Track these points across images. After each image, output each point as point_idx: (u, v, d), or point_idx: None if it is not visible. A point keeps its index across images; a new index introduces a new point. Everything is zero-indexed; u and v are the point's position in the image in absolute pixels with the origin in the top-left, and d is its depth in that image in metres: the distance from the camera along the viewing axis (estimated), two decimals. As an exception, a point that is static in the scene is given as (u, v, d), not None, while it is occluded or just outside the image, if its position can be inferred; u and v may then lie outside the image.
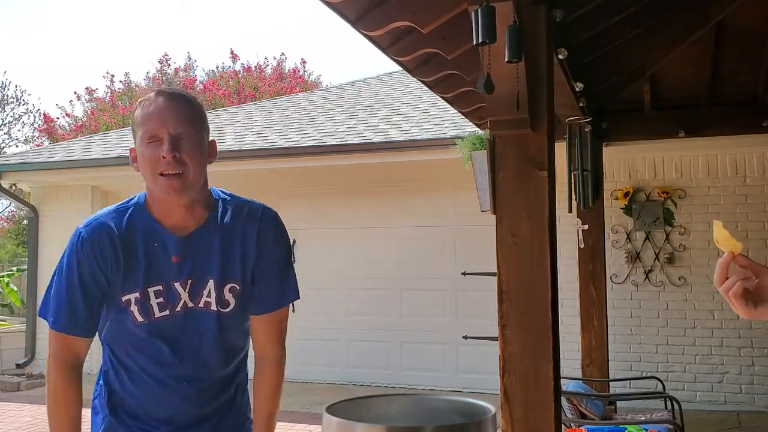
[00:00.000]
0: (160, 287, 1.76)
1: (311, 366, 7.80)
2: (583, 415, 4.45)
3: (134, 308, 1.76)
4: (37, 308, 1.86)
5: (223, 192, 1.89)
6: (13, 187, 9.21)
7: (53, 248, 8.82)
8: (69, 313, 1.76)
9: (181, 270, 1.77)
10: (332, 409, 1.07)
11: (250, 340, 1.93)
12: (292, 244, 1.90)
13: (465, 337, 7.42)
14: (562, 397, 3.76)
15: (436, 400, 1.20)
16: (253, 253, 1.84)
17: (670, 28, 4.05)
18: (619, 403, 5.63)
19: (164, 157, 1.68)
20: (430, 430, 1.07)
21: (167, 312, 1.77)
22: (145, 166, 1.73)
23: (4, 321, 11.06)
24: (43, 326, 8.76)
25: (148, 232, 1.78)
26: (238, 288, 1.82)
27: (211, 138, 1.86)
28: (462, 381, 7.35)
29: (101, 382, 1.94)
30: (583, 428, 4.12)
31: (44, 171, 8.58)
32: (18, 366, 8.72)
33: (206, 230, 1.80)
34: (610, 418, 4.85)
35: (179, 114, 1.72)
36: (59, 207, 8.88)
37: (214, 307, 1.80)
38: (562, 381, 4.22)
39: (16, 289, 12.00)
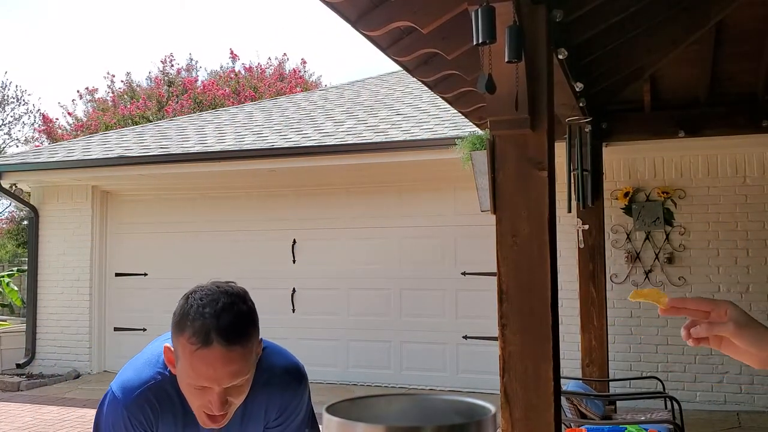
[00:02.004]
0: None
1: (311, 366, 7.75)
2: (583, 415, 4.45)
3: None
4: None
5: None
6: (14, 187, 9.21)
7: (53, 248, 8.84)
8: None
9: None
10: (332, 409, 1.07)
11: None
12: (310, 398, 1.80)
13: (465, 337, 7.43)
14: (562, 397, 3.76)
15: (436, 400, 1.20)
16: (274, 420, 1.78)
17: (670, 28, 4.06)
18: (619, 403, 5.64)
19: (211, 407, 1.55)
20: (430, 430, 1.07)
21: None
22: (187, 394, 1.59)
23: (4, 321, 11.06)
24: (44, 326, 8.77)
25: (177, 415, 1.68)
26: None
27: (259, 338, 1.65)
28: (462, 381, 7.35)
29: None
30: (583, 428, 4.12)
31: (44, 171, 8.58)
32: (18, 366, 8.72)
33: (234, 413, 1.68)
34: (610, 418, 4.85)
35: (238, 369, 1.52)
36: (59, 207, 8.88)
37: None
38: (562, 381, 4.22)
39: (16, 289, 12.00)
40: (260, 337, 1.64)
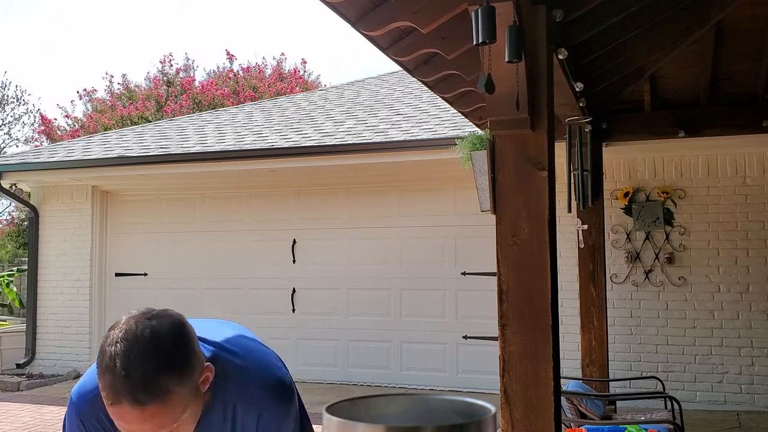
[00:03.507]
0: None
1: (311, 366, 7.81)
2: (583, 415, 4.45)
3: None
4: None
5: (222, 361, 1.64)
6: (14, 187, 9.21)
7: (53, 248, 8.84)
8: None
9: None
10: (332, 409, 1.07)
11: None
12: (297, 409, 1.72)
13: (465, 337, 7.43)
14: (562, 397, 3.76)
15: (436, 400, 1.20)
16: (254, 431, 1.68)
17: (670, 28, 4.05)
18: (619, 403, 5.64)
19: None
20: (429, 430, 1.07)
21: None
22: None
23: (4, 321, 11.07)
24: (44, 326, 8.77)
25: None
26: None
27: (204, 364, 1.53)
28: (462, 381, 7.35)
29: None
30: (583, 428, 4.12)
31: (44, 171, 8.58)
32: (18, 366, 8.72)
33: (204, 422, 1.60)
34: (610, 418, 4.85)
35: (157, 424, 1.40)
36: (59, 207, 8.89)
37: None
38: (562, 381, 4.22)
39: (15, 289, 12.00)
40: (203, 365, 1.52)
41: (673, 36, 4.08)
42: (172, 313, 1.52)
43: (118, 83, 20.35)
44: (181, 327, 1.48)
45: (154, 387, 1.37)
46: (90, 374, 1.63)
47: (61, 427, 1.68)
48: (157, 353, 1.39)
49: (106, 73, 25.50)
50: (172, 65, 20.46)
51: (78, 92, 28.09)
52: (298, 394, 1.78)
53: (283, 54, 29.54)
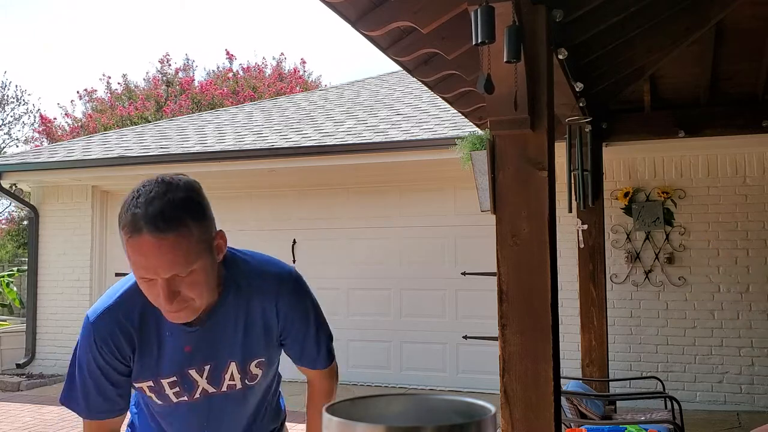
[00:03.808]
0: (174, 378, 1.68)
1: (311, 366, 7.80)
2: (583, 415, 4.45)
3: (151, 394, 1.71)
4: (60, 397, 1.75)
5: (233, 256, 1.72)
6: (14, 187, 9.21)
7: (53, 248, 8.84)
8: (103, 400, 1.69)
9: (194, 358, 1.67)
10: (332, 409, 1.07)
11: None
12: (314, 301, 1.86)
13: (465, 337, 7.43)
14: (562, 397, 3.76)
15: (436, 400, 1.20)
16: (276, 327, 1.75)
17: (670, 28, 4.05)
18: (619, 403, 5.64)
19: (162, 302, 1.51)
20: (430, 430, 1.07)
21: (185, 398, 1.71)
22: (143, 291, 1.55)
23: (4, 321, 11.07)
24: (44, 326, 8.77)
25: (159, 322, 1.65)
26: (265, 360, 1.76)
27: (217, 229, 1.61)
28: (462, 381, 7.35)
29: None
30: (583, 428, 4.12)
31: (44, 171, 8.58)
32: (18, 366, 8.73)
33: (221, 313, 1.67)
34: (610, 418, 4.85)
35: (173, 258, 1.46)
36: (59, 207, 8.89)
37: (239, 385, 1.74)
38: (562, 381, 4.22)
39: (15, 289, 12.00)
40: (217, 230, 1.60)
41: (673, 36, 4.08)
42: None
43: (118, 83, 20.37)
44: (197, 184, 1.59)
45: (172, 218, 1.45)
46: (103, 297, 1.71)
47: (76, 366, 1.70)
48: (176, 193, 1.49)
49: (104, 74, 25.48)
50: (170, 65, 20.46)
51: (78, 92, 28.11)
52: (313, 296, 1.85)
53: (282, 54, 29.56)
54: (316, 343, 1.83)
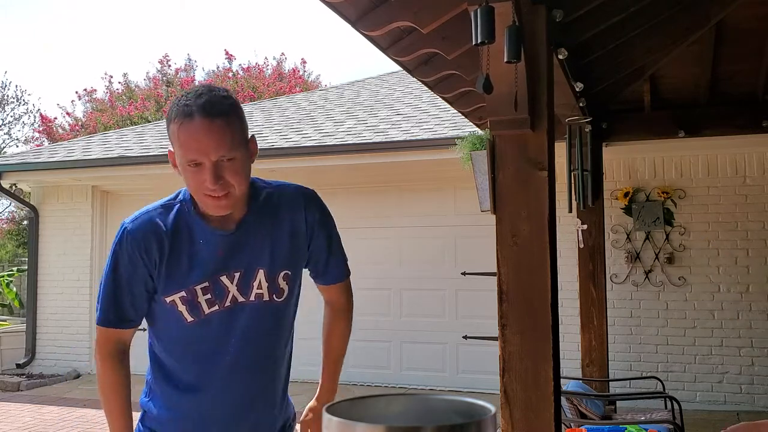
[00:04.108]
0: (206, 284, 1.76)
1: (312, 366, 7.76)
2: (583, 415, 4.45)
3: (182, 308, 1.77)
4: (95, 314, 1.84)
5: (259, 180, 1.89)
6: (14, 187, 9.21)
7: (53, 248, 8.84)
8: (115, 309, 1.78)
9: (227, 263, 1.78)
10: (332, 409, 1.07)
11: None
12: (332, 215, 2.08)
13: (465, 337, 7.43)
14: (562, 397, 3.76)
15: (436, 400, 1.20)
16: (304, 237, 1.89)
17: (670, 28, 4.05)
18: (619, 403, 5.64)
19: (208, 185, 1.66)
20: (430, 430, 1.07)
21: (216, 307, 1.78)
22: (187, 182, 1.72)
23: (4, 321, 11.07)
24: (44, 326, 8.78)
25: (193, 229, 1.77)
26: (291, 274, 1.86)
27: (250, 134, 1.81)
28: (462, 381, 7.35)
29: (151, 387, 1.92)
30: (583, 428, 4.12)
31: (44, 171, 8.58)
32: (18, 366, 8.73)
33: (251, 221, 1.81)
34: (610, 418, 4.85)
35: (220, 139, 1.65)
36: (59, 207, 8.89)
37: (267, 297, 1.82)
38: (562, 381, 4.22)
39: (15, 289, 12.00)
40: (251, 134, 1.79)
41: (673, 36, 4.08)
42: None
43: (119, 82, 20.37)
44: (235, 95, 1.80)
45: (220, 107, 1.67)
46: (140, 210, 1.82)
47: (105, 268, 1.79)
48: (219, 92, 1.71)
49: (105, 74, 25.51)
50: (170, 65, 20.46)
51: (77, 92, 28.12)
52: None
53: (283, 54, 29.56)
54: (340, 251, 2.00)
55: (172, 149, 1.72)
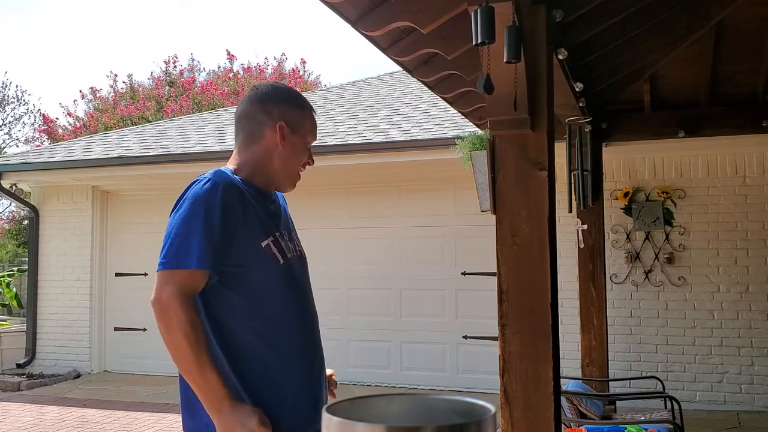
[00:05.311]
0: (278, 233, 2.03)
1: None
2: (582, 415, 4.45)
3: (275, 250, 1.97)
4: (163, 263, 1.86)
5: None
6: (14, 187, 9.21)
7: (53, 248, 8.84)
8: (213, 250, 1.85)
9: (277, 223, 2.07)
10: (332, 409, 1.07)
11: None
12: None
13: (465, 337, 7.44)
14: (561, 397, 3.76)
15: (436, 400, 1.20)
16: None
17: (670, 28, 4.05)
18: (618, 403, 5.64)
19: (309, 164, 2.12)
20: (430, 430, 1.07)
21: (290, 254, 2.04)
22: (287, 159, 2.05)
23: (4, 321, 11.07)
24: (44, 326, 8.77)
25: (253, 193, 2.00)
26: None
27: None
28: (462, 381, 7.35)
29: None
30: (582, 428, 4.12)
31: (45, 171, 8.58)
32: (18, 366, 8.72)
33: (275, 197, 2.15)
34: (610, 418, 4.85)
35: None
36: (59, 207, 8.89)
37: (304, 254, 2.16)
38: (562, 381, 4.22)
39: (14, 289, 12.00)
40: None
41: (673, 36, 4.08)
42: None
43: (123, 82, 20.37)
44: None
45: None
46: (213, 173, 1.98)
47: (188, 220, 1.90)
48: None
49: (111, 72, 25.48)
50: (176, 66, 20.46)
51: (80, 91, 28.12)
52: None
53: (283, 54, 29.55)
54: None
55: (286, 127, 2.04)
